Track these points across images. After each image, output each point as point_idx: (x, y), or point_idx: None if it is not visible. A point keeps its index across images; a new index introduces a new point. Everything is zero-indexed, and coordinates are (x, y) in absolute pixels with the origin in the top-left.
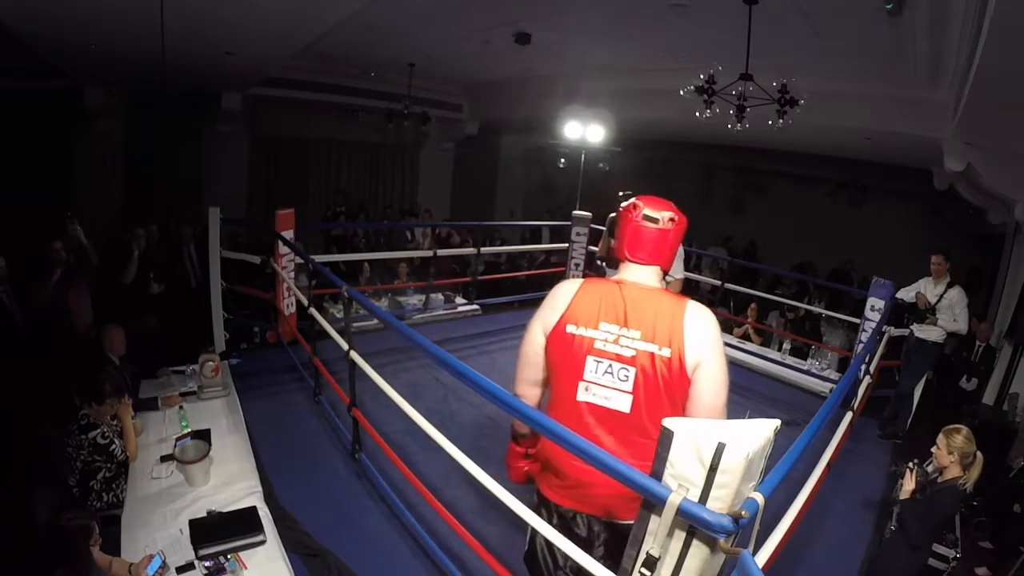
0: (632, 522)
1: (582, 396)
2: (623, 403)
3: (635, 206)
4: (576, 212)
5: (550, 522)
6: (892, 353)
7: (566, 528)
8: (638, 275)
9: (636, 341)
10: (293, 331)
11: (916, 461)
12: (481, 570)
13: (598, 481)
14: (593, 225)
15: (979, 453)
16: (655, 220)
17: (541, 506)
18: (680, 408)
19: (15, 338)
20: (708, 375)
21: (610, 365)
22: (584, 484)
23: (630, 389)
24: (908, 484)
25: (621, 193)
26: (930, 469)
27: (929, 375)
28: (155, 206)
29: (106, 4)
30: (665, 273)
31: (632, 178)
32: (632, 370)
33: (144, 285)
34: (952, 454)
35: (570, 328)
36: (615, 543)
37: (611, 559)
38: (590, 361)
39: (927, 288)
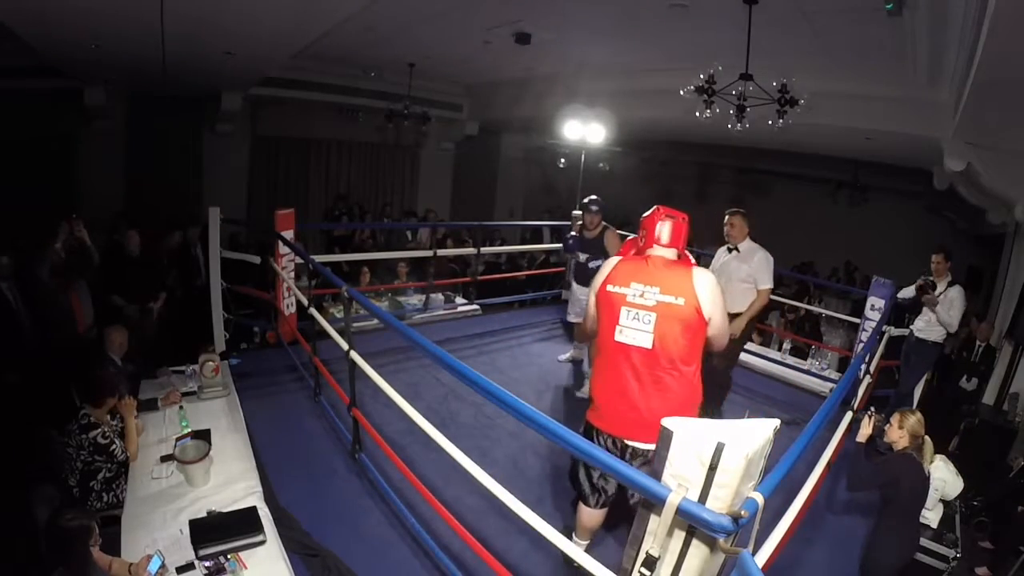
0: (645, 445)
1: (618, 337)
2: (645, 340)
3: (658, 210)
4: (576, 212)
5: (596, 442)
6: (892, 353)
7: (606, 445)
8: (661, 252)
9: (657, 294)
10: (293, 331)
11: (873, 409)
12: (481, 570)
13: (629, 416)
14: None
15: (928, 439)
16: (673, 217)
17: (590, 431)
18: (691, 340)
19: (19, 336)
20: (720, 316)
21: (637, 313)
22: (618, 417)
23: (651, 330)
24: (865, 429)
25: (587, 200)
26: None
27: (929, 375)
28: (155, 206)
29: (106, 4)
30: (680, 254)
31: (632, 178)
32: (653, 315)
33: (147, 288)
34: (903, 429)
35: (609, 287)
36: (631, 460)
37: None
38: (624, 312)
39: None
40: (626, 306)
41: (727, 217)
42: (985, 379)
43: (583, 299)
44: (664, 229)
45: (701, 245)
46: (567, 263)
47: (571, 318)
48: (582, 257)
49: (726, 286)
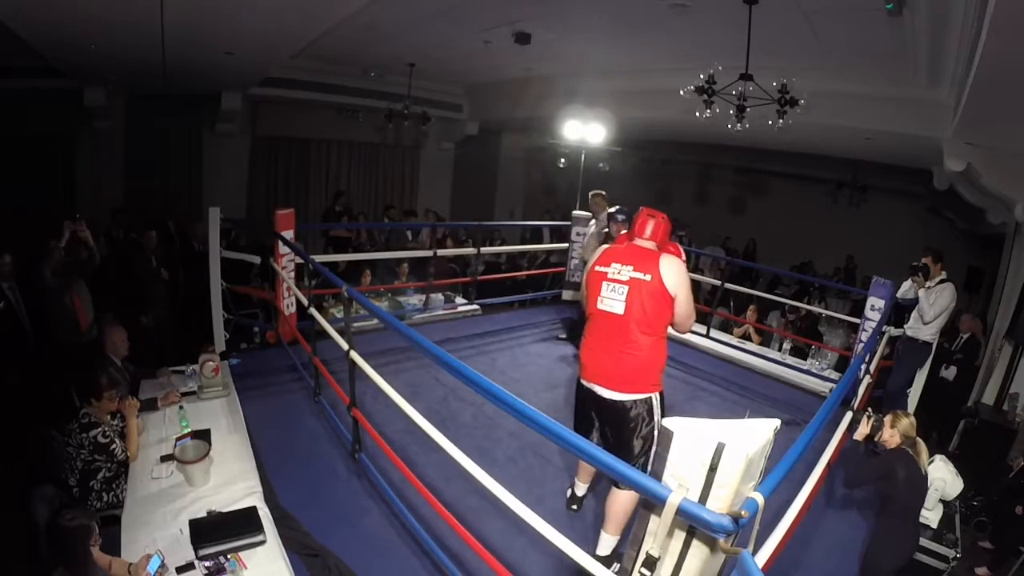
0: (611, 394)
1: (599, 305)
2: (619, 308)
3: (643, 211)
4: (576, 212)
5: (580, 393)
6: (892, 353)
7: (586, 393)
8: (647, 244)
9: (630, 271)
10: (293, 331)
11: (870, 409)
12: (481, 570)
13: (603, 369)
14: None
15: (920, 440)
16: (654, 216)
17: (580, 385)
18: (656, 311)
19: (21, 337)
20: (684, 295)
21: (615, 286)
22: (596, 369)
23: (623, 299)
24: (863, 428)
25: (613, 209)
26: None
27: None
28: (154, 206)
29: (107, 4)
30: (658, 245)
31: (632, 178)
32: (625, 288)
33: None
34: (894, 429)
35: (597, 267)
36: (603, 408)
37: (605, 418)
38: (604, 285)
39: (919, 289)
40: (606, 281)
41: (590, 196)
42: (964, 368)
43: None
44: (647, 226)
45: (701, 244)
46: (568, 263)
47: None
48: None
49: (590, 244)
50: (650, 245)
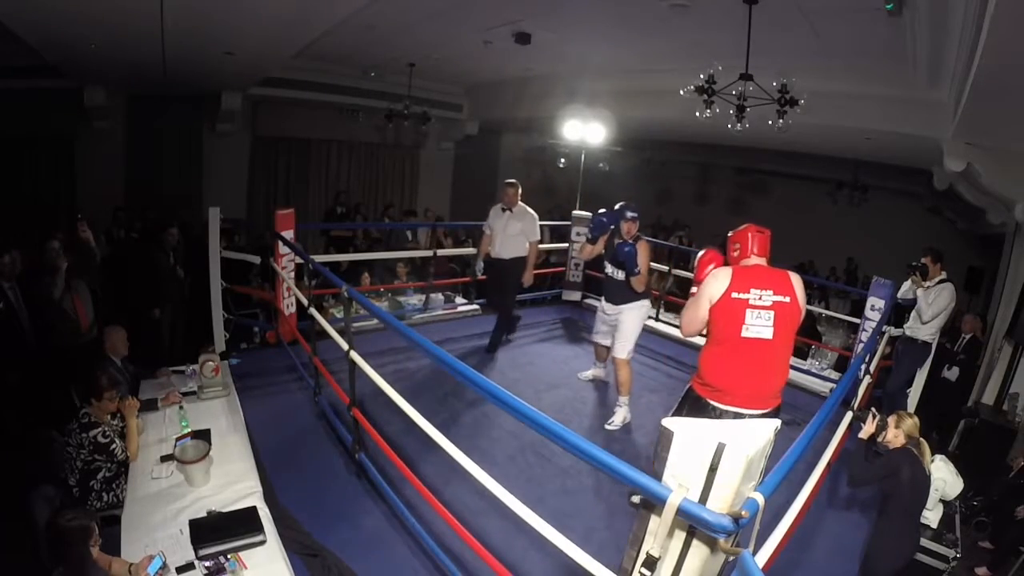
0: (761, 411)
1: (745, 333)
2: (767, 333)
3: (749, 227)
4: (576, 212)
5: (710, 415)
6: (892, 353)
7: (726, 416)
8: (761, 261)
9: (771, 296)
10: (293, 331)
11: (874, 409)
12: (481, 570)
13: (752, 392)
14: None
15: (923, 440)
16: (762, 232)
17: (705, 405)
18: (796, 330)
19: (21, 337)
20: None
21: (759, 313)
22: (744, 394)
23: (771, 324)
24: (868, 427)
25: (621, 206)
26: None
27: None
28: (154, 206)
29: (106, 4)
30: (767, 261)
31: (632, 178)
32: (771, 313)
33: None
34: (898, 429)
35: (734, 294)
36: None
37: None
38: (748, 312)
39: (917, 289)
40: (750, 308)
41: (504, 187)
42: (966, 369)
43: (610, 317)
44: (755, 243)
45: (701, 244)
46: (567, 263)
47: (597, 338)
48: (609, 269)
49: (504, 238)
50: (763, 262)
